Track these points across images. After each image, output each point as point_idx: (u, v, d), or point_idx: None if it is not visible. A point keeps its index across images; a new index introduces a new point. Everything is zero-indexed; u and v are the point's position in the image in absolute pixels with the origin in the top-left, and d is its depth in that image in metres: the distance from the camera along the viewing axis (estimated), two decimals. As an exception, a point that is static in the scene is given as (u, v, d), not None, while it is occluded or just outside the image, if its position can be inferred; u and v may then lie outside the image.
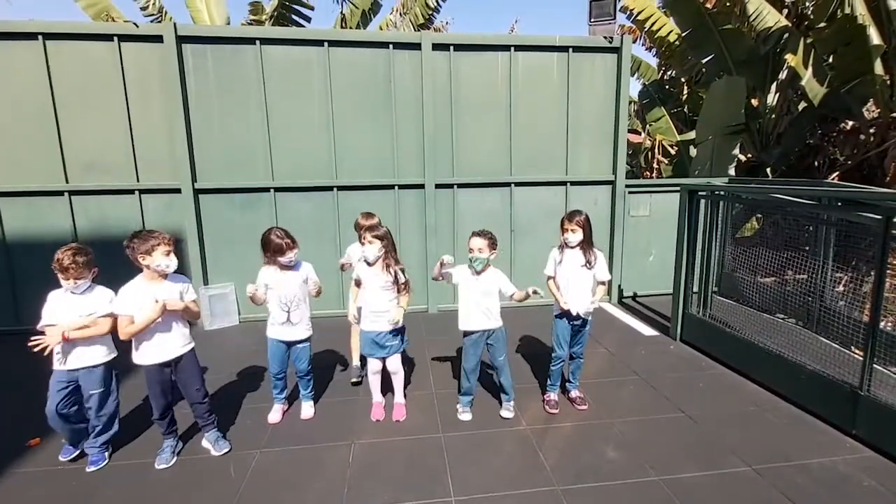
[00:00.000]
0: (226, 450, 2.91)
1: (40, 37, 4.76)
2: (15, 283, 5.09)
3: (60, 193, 5.01)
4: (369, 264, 3.15)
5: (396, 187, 5.54)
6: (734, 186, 4.92)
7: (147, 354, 2.66)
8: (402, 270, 3.19)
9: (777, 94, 8.84)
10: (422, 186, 5.56)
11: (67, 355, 2.66)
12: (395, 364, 3.28)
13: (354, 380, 3.82)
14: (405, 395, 3.47)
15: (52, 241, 5.02)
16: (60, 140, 4.95)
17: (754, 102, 9.14)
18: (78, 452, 2.88)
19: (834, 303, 4.26)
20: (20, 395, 3.71)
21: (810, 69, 7.44)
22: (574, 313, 3.20)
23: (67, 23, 4.89)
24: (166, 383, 2.73)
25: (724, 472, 2.68)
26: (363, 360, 3.91)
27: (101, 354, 2.74)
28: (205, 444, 2.95)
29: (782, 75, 8.65)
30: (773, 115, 8.83)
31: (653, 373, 3.96)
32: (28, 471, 2.78)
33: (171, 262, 2.65)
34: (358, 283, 3.23)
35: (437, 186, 5.58)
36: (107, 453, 2.85)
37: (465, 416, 3.29)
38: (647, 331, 4.99)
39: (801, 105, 8.88)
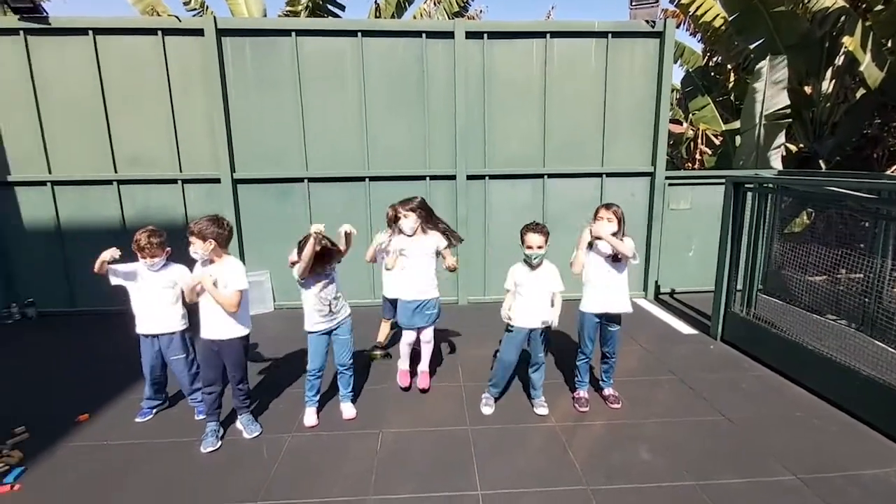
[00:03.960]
0: (256, 433, 2.99)
1: (90, 32, 4.97)
2: (68, 267, 5.39)
3: (109, 182, 5.25)
4: (408, 236, 3.31)
5: (428, 178, 5.52)
6: (784, 178, 4.63)
7: (201, 328, 2.85)
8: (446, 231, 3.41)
9: (833, 81, 8.26)
10: (453, 178, 5.51)
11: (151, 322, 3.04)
12: (428, 334, 3.45)
13: (367, 351, 4.08)
14: (432, 371, 3.67)
15: (102, 227, 5.32)
16: (109, 131, 5.18)
17: (807, 89, 8.59)
18: (158, 405, 3.27)
19: (893, 304, 3.97)
20: (71, 373, 3.94)
21: (869, 54, 6.90)
22: (601, 311, 3.13)
23: (115, 18, 5.08)
24: (214, 358, 2.86)
25: (767, 479, 2.54)
26: (387, 344, 4.19)
27: (177, 322, 3.05)
28: (238, 425, 3.04)
29: (839, 60, 8.08)
30: (828, 104, 8.27)
31: (690, 372, 3.81)
32: (78, 444, 2.94)
33: (193, 252, 2.77)
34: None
35: (469, 178, 5.52)
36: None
37: (487, 409, 3.27)
38: (686, 329, 4.80)
39: (860, 92, 8.28)
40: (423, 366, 3.53)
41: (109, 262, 2.89)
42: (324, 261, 2.91)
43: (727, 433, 2.99)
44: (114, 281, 2.99)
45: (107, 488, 2.54)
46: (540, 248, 2.98)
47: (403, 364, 3.52)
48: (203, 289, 2.75)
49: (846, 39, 6.63)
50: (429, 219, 3.35)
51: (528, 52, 5.38)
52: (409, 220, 3.30)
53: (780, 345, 3.79)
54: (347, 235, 3.00)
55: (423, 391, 3.48)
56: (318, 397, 3.20)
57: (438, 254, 3.42)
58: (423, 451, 2.83)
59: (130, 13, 8.01)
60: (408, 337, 3.44)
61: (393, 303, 3.96)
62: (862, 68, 6.75)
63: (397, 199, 4.04)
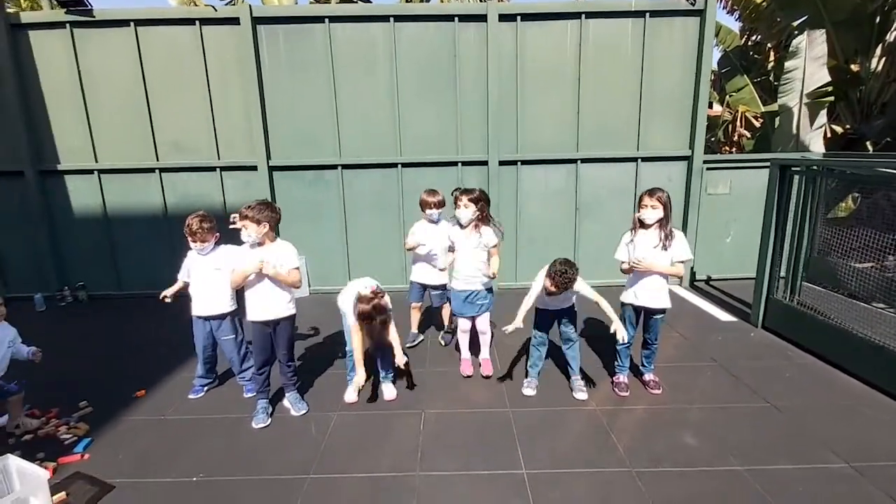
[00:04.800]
0: (304, 411, 3.10)
1: (132, 23, 5.11)
2: (115, 253, 5.62)
3: (152, 171, 5.43)
4: (462, 227, 3.29)
5: (460, 164, 5.51)
6: (833, 161, 4.45)
7: (253, 312, 2.92)
8: (495, 229, 3.35)
9: (883, 59, 7.85)
10: (485, 163, 5.49)
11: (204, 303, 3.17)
12: (483, 323, 3.45)
13: (408, 345, 4.05)
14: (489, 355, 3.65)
15: (146, 214, 5.52)
16: (151, 121, 5.34)
17: (854, 68, 8.18)
18: (209, 383, 3.41)
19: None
20: (123, 352, 4.14)
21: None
22: (640, 305, 3.11)
23: (154, 9, 5.20)
24: (267, 340, 2.96)
25: (818, 467, 2.50)
26: (420, 329, 4.25)
27: (227, 304, 3.17)
28: (285, 403, 3.16)
29: (890, 37, 7.66)
30: (877, 83, 7.87)
31: (732, 360, 3.75)
32: (137, 418, 3.10)
33: (246, 236, 2.85)
34: (451, 249, 3.43)
35: (501, 163, 5.49)
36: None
37: (529, 391, 3.29)
38: (724, 316, 4.71)
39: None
40: (485, 354, 3.59)
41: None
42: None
43: (774, 420, 2.95)
44: (182, 276, 3.22)
45: (169, 458, 2.68)
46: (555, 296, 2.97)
47: (464, 353, 3.59)
48: (262, 273, 2.80)
49: (901, 13, 6.26)
50: (486, 212, 3.31)
51: (563, 34, 5.27)
52: (468, 212, 3.25)
53: (828, 332, 3.69)
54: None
55: (486, 377, 3.49)
56: None
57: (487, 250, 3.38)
58: (466, 431, 2.88)
59: (169, 5, 8.16)
60: (462, 325, 3.49)
61: (422, 287, 4.00)
62: (917, 44, 6.38)
63: (430, 186, 4.07)
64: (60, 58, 5.17)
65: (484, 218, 3.30)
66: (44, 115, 5.33)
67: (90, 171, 5.43)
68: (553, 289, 2.89)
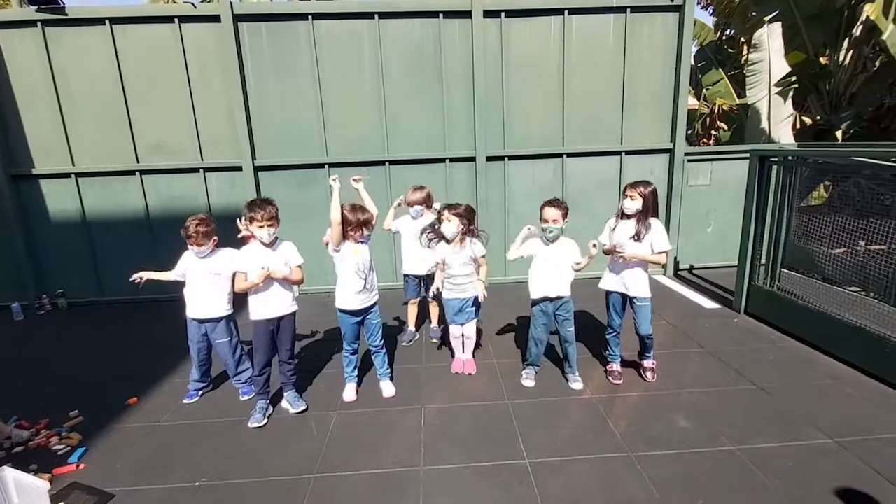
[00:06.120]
0: (302, 408, 3.09)
1: (107, 21, 4.96)
2: (96, 258, 5.47)
3: (132, 173, 5.30)
4: (448, 241, 3.32)
5: (447, 160, 5.53)
6: (810, 151, 4.62)
7: (257, 311, 2.93)
8: (481, 239, 3.40)
9: (850, 52, 8.14)
10: (473, 159, 5.52)
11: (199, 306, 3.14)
12: (470, 330, 3.54)
13: (405, 344, 4.12)
14: (473, 356, 3.71)
15: (127, 217, 5.39)
16: (130, 121, 5.20)
17: (823, 60, 8.47)
18: (203, 387, 3.36)
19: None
20: (109, 360, 4.05)
21: (892, 23, 6.78)
22: (614, 289, 3.23)
23: (132, 7, 5.06)
24: (269, 339, 2.96)
25: (804, 443, 2.62)
26: (418, 326, 4.28)
27: (223, 308, 3.12)
28: (284, 404, 3.14)
29: (856, 30, 7.94)
30: (845, 75, 8.15)
31: (718, 345, 3.87)
32: (132, 426, 3.05)
33: (264, 235, 2.86)
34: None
35: (489, 159, 5.53)
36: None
37: (528, 382, 3.35)
38: (708, 304, 4.85)
39: (879, 62, 8.16)
40: (467, 355, 3.66)
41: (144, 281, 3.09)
42: (357, 223, 3.01)
43: (761, 401, 3.07)
44: (176, 276, 3.14)
45: (168, 464, 2.65)
46: (556, 221, 3.02)
47: (457, 353, 3.69)
48: (272, 277, 2.86)
49: (868, 7, 6.51)
50: (470, 226, 3.35)
51: (546, 30, 5.33)
52: (452, 225, 3.27)
53: (808, 316, 3.84)
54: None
55: (470, 375, 3.57)
56: (356, 373, 3.32)
57: (475, 261, 3.42)
58: (467, 425, 2.92)
59: (143, 1, 7.93)
60: (454, 331, 3.57)
61: (416, 280, 4.01)
62: (884, 37, 6.64)
63: (418, 183, 4.09)
64: (32, 58, 5.00)
65: (469, 231, 3.35)
66: (16, 118, 5.14)
67: (67, 175, 5.27)
68: (552, 209, 3.02)
